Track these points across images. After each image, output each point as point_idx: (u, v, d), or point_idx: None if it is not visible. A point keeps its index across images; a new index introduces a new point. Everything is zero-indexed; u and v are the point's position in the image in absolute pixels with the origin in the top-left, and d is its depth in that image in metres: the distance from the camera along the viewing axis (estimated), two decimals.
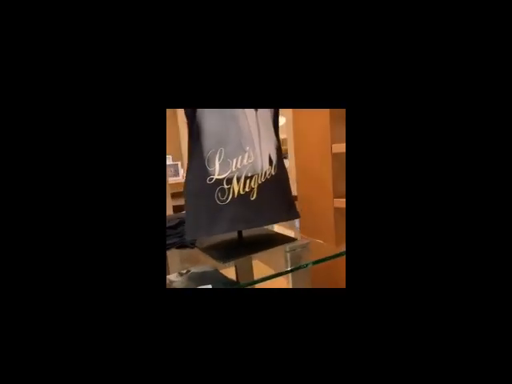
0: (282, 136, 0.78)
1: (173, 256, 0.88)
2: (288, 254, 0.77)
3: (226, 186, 0.68)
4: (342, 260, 0.59)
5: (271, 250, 0.78)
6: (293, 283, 0.93)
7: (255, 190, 0.70)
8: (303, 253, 0.78)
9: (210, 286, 1.05)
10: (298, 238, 0.83)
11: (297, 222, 1.17)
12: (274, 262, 0.78)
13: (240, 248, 0.81)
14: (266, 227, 0.91)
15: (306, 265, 0.74)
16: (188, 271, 1.27)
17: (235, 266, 1.18)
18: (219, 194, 0.68)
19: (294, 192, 0.87)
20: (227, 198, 0.68)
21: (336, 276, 1.08)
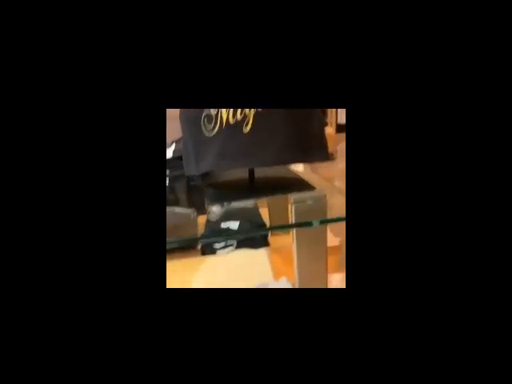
0: None
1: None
2: (293, 206, 0.62)
3: (212, 112, 0.55)
4: None
5: (277, 196, 0.65)
6: (297, 245, 0.74)
7: (250, 119, 0.54)
8: (316, 207, 0.62)
9: (236, 224, 1.09)
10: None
11: None
12: (281, 212, 0.69)
13: (239, 191, 0.69)
14: (293, 168, 0.76)
15: (311, 223, 0.61)
16: (229, 204, 1.27)
17: (268, 208, 1.15)
18: (206, 122, 0.56)
19: None
20: (214, 128, 0.55)
21: None
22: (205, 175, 0.75)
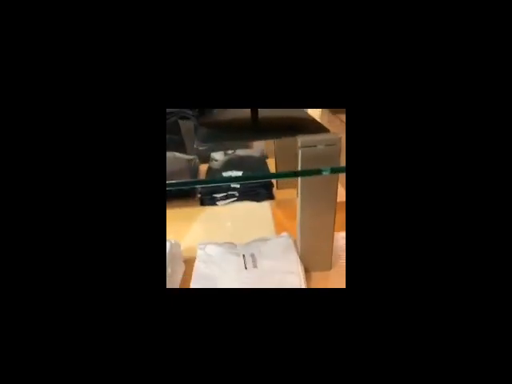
0: None
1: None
2: (300, 151, 0.54)
3: None
4: None
5: (283, 140, 0.58)
6: (302, 197, 0.65)
7: None
8: (327, 153, 0.54)
9: (239, 174, 1.08)
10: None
11: None
12: (289, 162, 0.58)
13: (237, 132, 0.61)
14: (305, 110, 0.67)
15: (320, 171, 0.52)
16: (234, 152, 1.21)
17: (275, 156, 1.09)
18: None
19: None
20: None
21: None
22: (201, 113, 0.69)
